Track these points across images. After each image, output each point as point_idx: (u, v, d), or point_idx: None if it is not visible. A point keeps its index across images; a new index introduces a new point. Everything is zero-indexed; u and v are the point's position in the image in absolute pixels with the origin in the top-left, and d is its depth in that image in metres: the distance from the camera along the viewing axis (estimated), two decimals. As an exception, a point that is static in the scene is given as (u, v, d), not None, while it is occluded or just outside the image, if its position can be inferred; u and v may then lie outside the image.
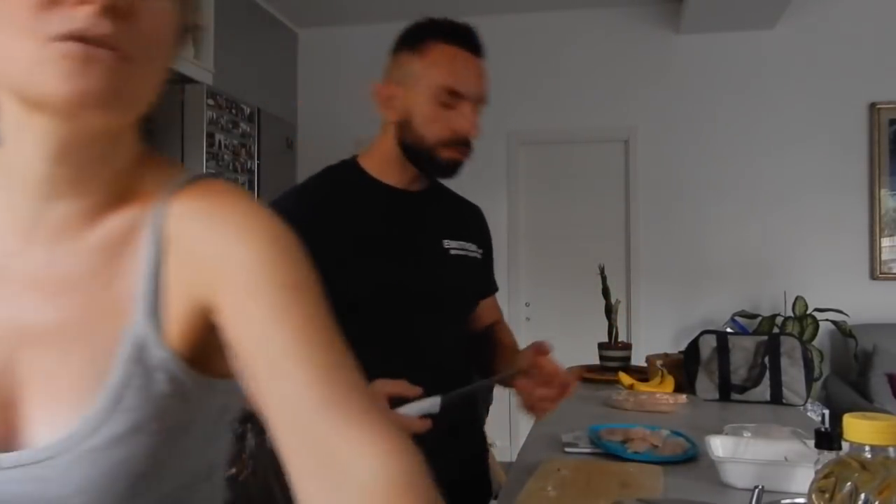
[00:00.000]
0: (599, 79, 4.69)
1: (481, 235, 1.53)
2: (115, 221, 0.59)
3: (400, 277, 1.29)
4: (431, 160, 1.30)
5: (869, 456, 0.62)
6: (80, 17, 0.50)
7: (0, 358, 0.56)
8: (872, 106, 4.38)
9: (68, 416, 0.55)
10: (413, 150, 1.31)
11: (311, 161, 4.76)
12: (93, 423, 0.55)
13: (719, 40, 4.54)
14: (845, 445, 0.66)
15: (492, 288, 1.58)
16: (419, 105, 1.28)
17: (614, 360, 2.25)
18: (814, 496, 0.64)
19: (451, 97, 1.27)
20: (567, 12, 4.72)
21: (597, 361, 2.30)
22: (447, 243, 1.38)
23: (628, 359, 2.28)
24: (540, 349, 1.33)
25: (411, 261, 1.31)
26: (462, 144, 1.31)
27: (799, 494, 0.96)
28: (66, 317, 0.57)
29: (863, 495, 0.60)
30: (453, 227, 1.42)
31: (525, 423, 1.77)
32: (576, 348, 2.19)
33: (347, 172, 1.36)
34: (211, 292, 0.57)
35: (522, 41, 4.74)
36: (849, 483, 0.62)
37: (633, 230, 4.67)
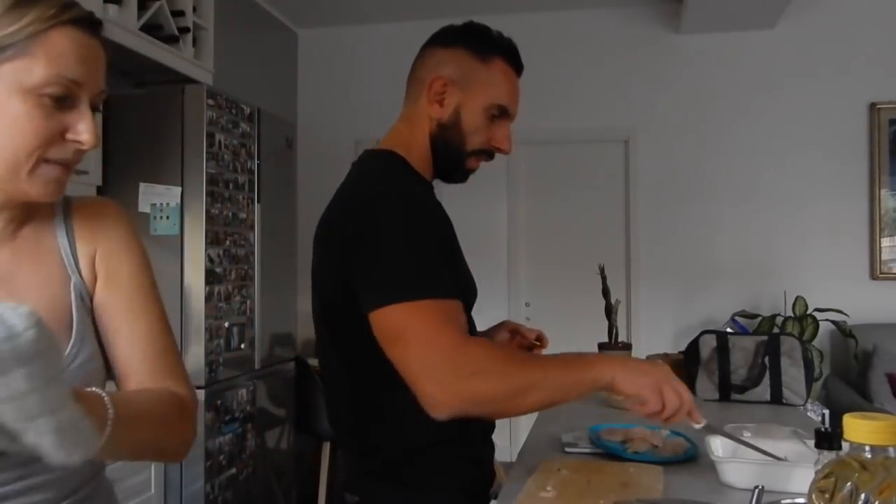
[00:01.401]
0: (599, 79, 4.69)
1: None
2: (30, 229, 0.89)
3: (465, 271, 1.35)
4: (461, 165, 1.34)
5: (869, 456, 0.62)
6: (70, 150, 0.82)
7: None
8: (872, 106, 4.38)
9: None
10: (447, 151, 1.32)
11: (311, 161, 4.78)
12: (72, 354, 0.84)
13: (719, 40, 4.54)
14: (845, 445, 0.66)
15: None
16: (472, 113, 1.30)
17: (614, 360, 2.25)
18: (814, 496, 0.64)
19: (500, 113, 1.32)
20: (567, 12, 4.72)
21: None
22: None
23: (628, 359, 2.28)
24: (509, 327, 1.50)
25: (459, 253, 1.35)
26: (489, 156, 1.36)
27: (799, 494, 0.96)
28: (25, 282, 0.87)
29: (863, 495, 0.60)
30: None
31: (525, 423, 1.77)
32: (576, 348, 2.18)
33: (404, 167, 1.32)
34: (100, 265, 0.92)
35: (522, 41, 4.70)
36: (849, 483, 0.62)
37: (633, 230, 4.67)
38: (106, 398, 0.72)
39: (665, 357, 2.16)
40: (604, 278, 2.29)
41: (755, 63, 4.52)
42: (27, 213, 0.88)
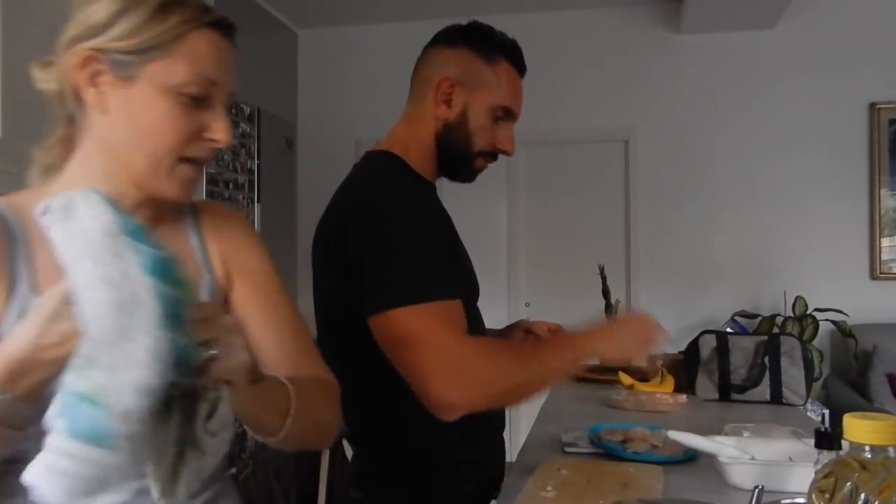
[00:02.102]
0: (599, 79, 4.69)
1: None
2: (163, 229, 0.90)
3: (468, 268, 1.38)
4: (467, 165, 1.35)
5: (869, 456, 0.62)
6: (205, 149, 0.84)
7: None
8: (872, 106, 4.38)
9: None
10: (453, 151, 1.33)
11: (311, 161, 4.78)
12: None
13: (719, 40, 4.54)
14: (845, 445, 0.66)
15: None
16: (478, 114, 1.31)
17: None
18: (814, 496, 0.64)
19: (504, 114, 1.34)
20: (567, 12, 4.72)
21: (597, 361, 2.30)
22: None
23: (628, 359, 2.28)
24: (523, 327, 1.57)
25: (461, 252, 1.36)
26: (493, 157, 1.37)
27: (799, 494, 0.96)
28: None
29: (863, 495, 0.60)
30: None
31: (525, 423, 1.77)
32: (576, 348, 2.19)
33: (402, 168, 1.33)
34: (230, 264, 0.95)
35: (522, 41, 4.70)
36: (849, 483, 0.62)
37: (633, 230, 4.67)
38: (287, 383, 0.82)
39: (665, 357, 2.16)
40: (604, 278, 2.29)
41: (755, 63, 4.52)
42: (161, 214, 0.90)
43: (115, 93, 0.80)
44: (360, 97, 4.84)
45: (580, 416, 1.68)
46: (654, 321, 1.28)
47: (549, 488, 1.14)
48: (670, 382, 1.99)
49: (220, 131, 0.83)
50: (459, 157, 1.34)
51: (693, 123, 4.59)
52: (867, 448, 0.63)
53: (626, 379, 1.99)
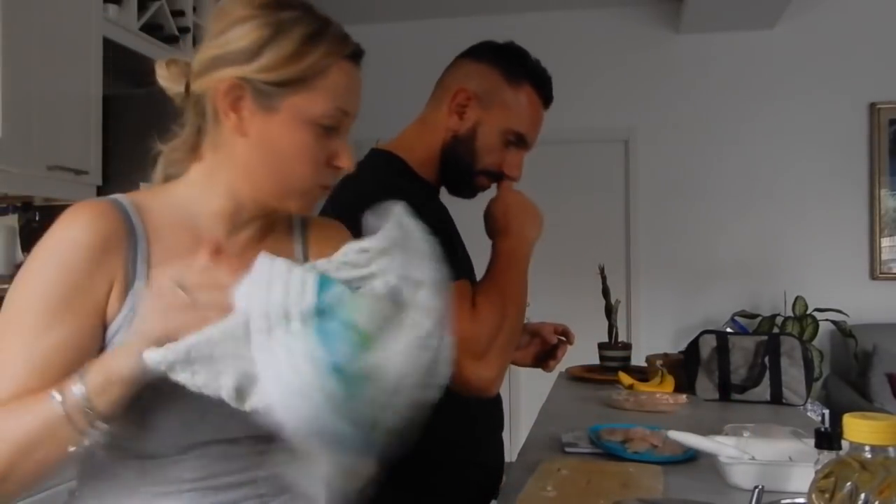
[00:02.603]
0: (599, 79, 4.69)
1: None
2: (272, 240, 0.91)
3: (469, 264, 1.36)
4: (469, 180, 1.34)
5: (869, 456, 0.62)
6: (331, 175, 0.87)
7: None
8: (872, 106, 4.38)
9: None
10: (457, 163, 1.31)
11: (311, 161, 4.77)
12: None
13: (719, 40, 4.54)
14: (845, 445, 0.66)
15: None
16: (489, 133, 1.29)
17: (614, 360, 2.25)
18: (814, 496, 0.64)
19: (516, 140, 1.31)
20: (567, 12, 4.73)
21: (597, 361, 2.30)
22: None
23: (628, 359, 2.28)
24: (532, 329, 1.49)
25: (456, 252, 1.34)
26: (496, 179, 1.34)
27: (799, 494, 0.96)
28: None
29: (863, 495, 0.60)
30: None
31: (525, 423, 1.77)
32: (576, 348, 2.17)
33: (401, 168, 1.32)
34: None
35: (522, 41, 4.70)
36: (849, 483, 0.62)
37: (633, 230, 4.67)
38: None
39: (665, 357, 2.16)
40: (604, 278, 2.29)
41: (755, 63, 4.52)
42: (272, 225, 0.92)
43: (253, 118, 0.82)
44: (361, 97, 4.83)
45: (580, 416, 1.68)
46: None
47: (549, 488, 1.14)
48: (670, 382, 1.99)
49: (346, 159, 0.87)
50: (461, 170, 1.32)
51: (693, 123, 4.59)
52: (867, 448, 0.62)
53: (626, 379, 1.99)
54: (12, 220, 2.47)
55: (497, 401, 1.44)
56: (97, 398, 0.70)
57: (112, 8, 2.61)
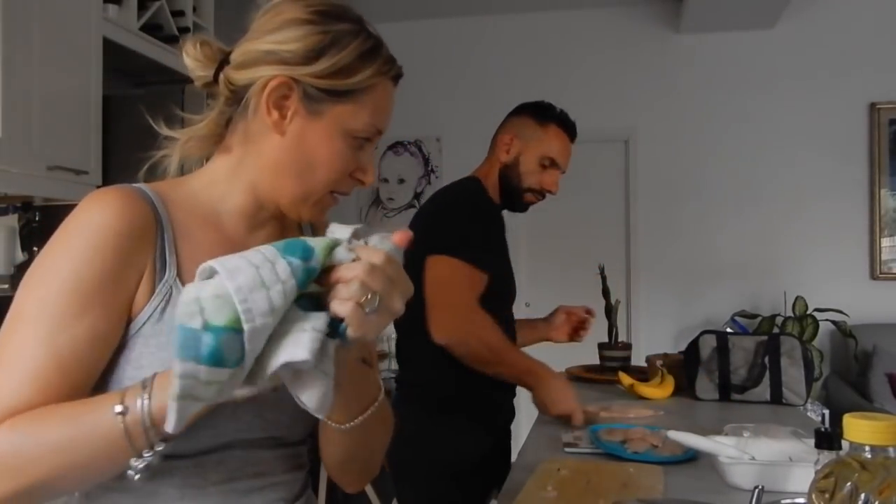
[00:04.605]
0: (599, 79, 4.69)
1: None
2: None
3: (508, 272, 1.92)
4: (519, 197, 1.86)
5: (869, 456, 0.62)
6: (350, 186, 0.88)
7: None
8: (872, 106, 4.38)
9: None
10: (508, 184, 1.84)
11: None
12: None
13: (719, 40, 4.54)
14: (845, 445, 0.66)
15: None
16: (528, 159, 1.83)
17: (614, 360, 2.25)
18: (814, 496, 0.64)
19: (550, 163, 1.84)
20: (567, 12, 4.72)
21: (597, 361, 2.30)
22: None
23: (628, 359, 2.28)
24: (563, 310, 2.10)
25: (509, 263, 1.93)
26: (541, 195, 1.88)
27: (799, 494, 0.96)
28: None
29: (863, 495, 0.60)
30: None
31: (525, 423, 1.78)
32: (576, 348, 2.19)
33: (480, 189, 1.83)
34: None
35: (522, 41, 4.74)
36: (849, 483, 0.62)
37: (633, 230, 4.67)
38: (381, 384, 0.84)
39: (665, 357, 2.16)
40: (604, 278, 2.29)
41: (755, 63, 4.52)
42: (286, 227, 0.93)
43: (296, 120, 0.82)
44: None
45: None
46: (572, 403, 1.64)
47: (549, 488, 1.14)
48: (670, 382, 1.99)
49: (369, 174, 0.88)
50: (513, 189, 1.84)
51: (693, 123, 4.59)
52: (867, 448, 0.62)
53: (626, 379, 1.99)
54: (12, 220, 2.47)
55: None
56: (160, 415, 0.64)
57: (112, 8, 2.61)
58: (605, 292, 2.28)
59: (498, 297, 1.76)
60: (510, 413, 1.95)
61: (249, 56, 0.83)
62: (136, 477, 0.68)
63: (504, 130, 1.86)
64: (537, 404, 1.68)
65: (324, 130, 0.83)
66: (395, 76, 0.87)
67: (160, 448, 0.68)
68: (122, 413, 0.66)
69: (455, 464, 1.67)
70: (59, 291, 0.73)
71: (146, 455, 0.67)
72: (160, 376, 0.67)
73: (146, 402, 0.66)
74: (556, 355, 2.02)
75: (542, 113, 1.86)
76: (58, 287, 0.73)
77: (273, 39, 0.82)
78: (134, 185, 0.83)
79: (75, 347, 0.72)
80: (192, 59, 0.87)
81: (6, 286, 2.38)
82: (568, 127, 1.87)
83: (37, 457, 0.67)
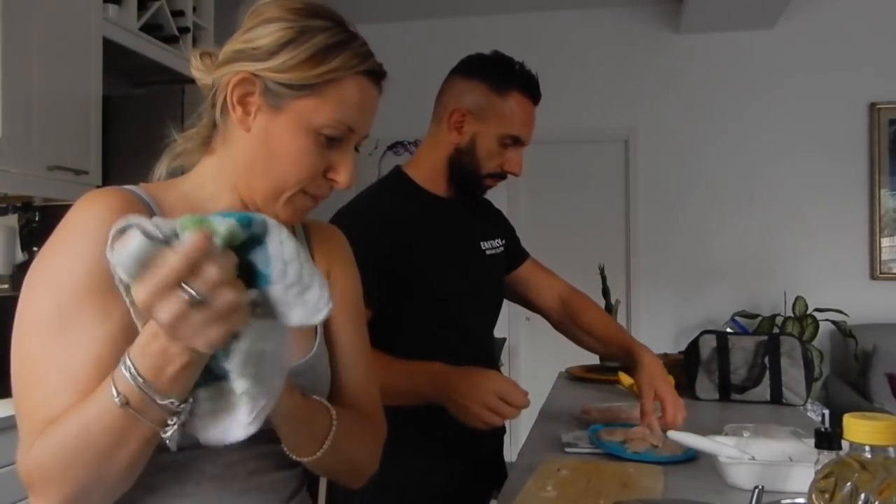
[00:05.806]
0: (599, 79, 4.69)
1: (501, 226, 1.67)
2: None
3: (447, 276, 1.44)
4: (478, 185, 1.48)
5: (869, 456, 0.62)
6: (326, 187, 0.86)
7: None
8: (872, 106, 4.38)
9: (308, 345, 0.90)
10: (464, 173, 1.45)
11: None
12: (316, 355, 0.90)
13: (719, 40, 4.54)
14: (845, 445, 0.66)
15: (522, 255, 1.76)
16: (486, 141, 1.43)
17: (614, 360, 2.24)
18: (814, 496, 0.64)
19: (512, 142, 1.44)
20: (567, 12, 4.73)
21: (597, 361, 2.30)
22: (483, 245, 1.54)
23: (628, 359, 2.27)
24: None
25: (454, 262, 1.46)
26: (502, 178, 1.48)
27: (799, 494, 0.96)
28: None
29: (863, 495, 0.60)
30: (485, 230, 1.56)
31: (525, 423, 1.77)
32: (576, 348, 2.18)
33: (399, 183, 1.48)
34: (332, 284, 0.95)
35: (522, 41, 4.73)
36: (849, 483, 0.62)
37: (633, 230, 4.67)
38: (333, 411, 0.84)
39: (665, 357, 2.16)
40: (604, 278, 2.29)
41: (755, 63, 4.52)
42: None
43: (259, 116, 0.83)
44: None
45: (580, 416, 1.68)
46: (515, 390, 1.26)
47: (549, 488, 1.14)
48: (670, 382, 1.99)
49: (342, 174, 0.85)
50: (469, 178, 1.46)
51: (693, 123, 4.59)
52: (867, 448, 0.62)
53: (626, 379, 1.99)
54: (12, 220, 2.47)
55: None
56: (151, 375, 0.63)
57: (112, 8, 2.61)
58: (605, 292, 2.29)
59: (442, 305, 1.43)
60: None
61: (224, 56, 0.84)
62: (174, 448, 0.67)
63: (453, 100, 1.44)
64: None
65: (286, 125, 0.82)
66: (367, 73, 0.85)
67: (179, 407, 0.65)
68: (114, 386, 0.64)
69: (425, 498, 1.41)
70: (77, 293, 0.72)
71: (171, 423, 0.65)
72: (132, 347, 0.65)
73: (130, 364, 0.63)
74: (556, 355, 2.02)
75: (499, 78, 1.42)
76: (73, 289, 0.72)
77: (245, 38, 0.83)
78: (125, 186, 0.84)
79: (114, 344, 0.71)
80: (196, 71, 0.88)
81: (6, 286, 2.38)
82: (532, 90, 1.45)
83: (72, 461, 0.67)
